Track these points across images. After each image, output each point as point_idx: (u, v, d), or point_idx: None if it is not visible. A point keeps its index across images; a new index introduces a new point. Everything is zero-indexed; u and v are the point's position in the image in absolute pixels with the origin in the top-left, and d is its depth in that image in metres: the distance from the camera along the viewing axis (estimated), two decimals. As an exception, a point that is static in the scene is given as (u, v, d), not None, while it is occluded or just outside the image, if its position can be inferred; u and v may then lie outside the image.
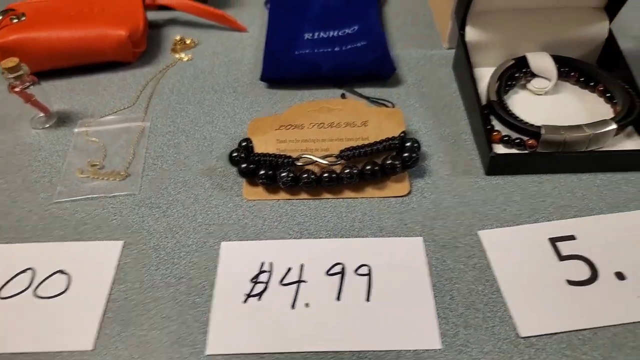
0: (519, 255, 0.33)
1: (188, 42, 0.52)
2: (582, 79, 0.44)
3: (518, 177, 0.38)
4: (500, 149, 0.39)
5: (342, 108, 0.42)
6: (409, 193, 0.37)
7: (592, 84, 0.44)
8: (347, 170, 0.37)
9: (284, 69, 0.47)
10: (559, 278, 0.32)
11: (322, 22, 0.51)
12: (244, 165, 0.37)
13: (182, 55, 0.50)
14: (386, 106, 0.44)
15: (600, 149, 0.39)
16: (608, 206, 0.36)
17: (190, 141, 0.42)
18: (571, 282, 0.32)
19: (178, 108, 0.45)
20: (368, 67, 0.46)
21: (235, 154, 0.38)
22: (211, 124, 0.44)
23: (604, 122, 0.38)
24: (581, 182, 0.38)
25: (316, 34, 0.50)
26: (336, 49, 0.48)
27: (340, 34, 0.49)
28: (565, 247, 0.34)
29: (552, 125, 0.38)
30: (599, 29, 0.44)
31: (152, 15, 0.56)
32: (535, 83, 0.44)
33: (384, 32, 0.51)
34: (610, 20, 0.44)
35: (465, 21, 0.44)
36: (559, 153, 0.38)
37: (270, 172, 0.37)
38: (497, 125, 0.41)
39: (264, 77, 0.47)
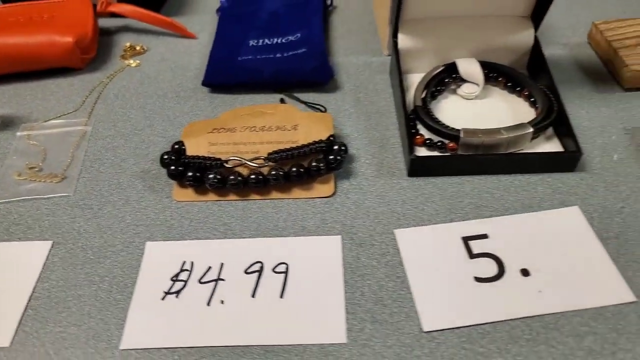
0: (431, 253, 0.35)
1: (138, 48, 0.53)
2: (510, 84, 0.46)
3: (439, 179, 0.40)
4: (424, 152, 0.41)
5: (274, 112, 0.43)
6: (334, 194, 0.39)
7: (518, 88, 0.45)
8: (274, 172, 0.38)
9: (226, 74, 0.48)
10: (468, 275, 0.33)
11: (268, 29, 0.53)
12: (172, 168, 0.38)
13: (131, 61, 0.52)
14: (321, 111, 0.45)
15: (519, 151, 0.40)
16: (523, 206, 0.37)
17: (128, 144, 0.44)
18: (479, 279, 0.33)
19: (120, 112, 0.47)
20: (307, 73, 0.47)
21: (165, 157, 0.39)
22: (150, 127, 0.45)
23: (521, 126, 0.39)
24: (500, 183, 0.39)
25: (261, 40, 0.51)
26: (278, 55, 0.49)
27: (283, 40, 0.51)
28: (476, 246, 0.35)
29: (471, 129, 0.39)
30: (525, 36, 0.46)
31: (105, 23, 0.57)
32: (464, 88, 0.45)
33: (325, 39, 0.52)
34: (536, 28, 0.46)
35: (397, 28, 0.46)
36: (478, 155, 0.39)
37: (198, 174, 0.38)
38: (423, 129, 0.42)
39: (205, 82, 0.48)
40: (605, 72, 0.50)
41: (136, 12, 0.54)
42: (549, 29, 0.55)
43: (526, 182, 0.39)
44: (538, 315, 0.31)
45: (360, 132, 0.44)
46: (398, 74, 0.44)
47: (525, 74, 0.46)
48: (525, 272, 0.33)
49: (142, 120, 0.46)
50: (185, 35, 0.55)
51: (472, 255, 0.35)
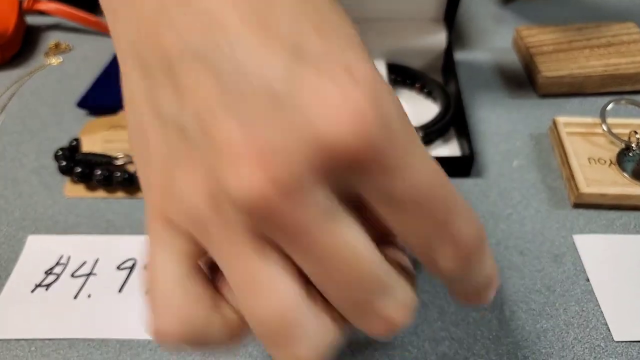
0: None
1: (63, 46, 0.54)
2: (418, 86, 0.45)
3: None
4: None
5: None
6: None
7: (426, 91, 0.45)
8: (161, 170, 0.38)
9: (103, 96, 0.45)
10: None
11: None
12: (64, 164, 0.39)
13: (53, 59, 0.52)
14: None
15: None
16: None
17: (34, 140, 0.44)
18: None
19: (32, 109, 0.47)
20: None
21: (60, 152, 0.40)
22: (59, 125, 0.46)
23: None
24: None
25: None
26: None
27: None
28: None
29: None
30: (438, 39, 0.46)
31: (36, 20, 0.58)
32: (372, 91, 0.46)
33: None
34: (449, 31, 0.46)
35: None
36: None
37: (87, 170, 0.38)
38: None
39: (80, 104, 0.45)
40: (524, 78, 0.49)
41: (62, 10, 0.54)
42: (478, 34, 0.55)
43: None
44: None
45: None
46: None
47: (431, 77, 0.45)
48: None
49: (52, 117, 0.46)
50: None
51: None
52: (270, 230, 0.14)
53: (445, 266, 0.16)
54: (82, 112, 0.47)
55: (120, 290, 0.33)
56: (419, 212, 0.15)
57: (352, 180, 0.14)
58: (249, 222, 0.14)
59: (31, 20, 0.58)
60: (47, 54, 0.53)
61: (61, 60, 0.52)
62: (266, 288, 0.15)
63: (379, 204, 0.15)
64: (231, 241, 0.15)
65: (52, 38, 0.56)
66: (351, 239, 0.15)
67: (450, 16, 0.45)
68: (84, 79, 0.51)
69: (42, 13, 0.56)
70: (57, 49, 0.54)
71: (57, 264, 0.35)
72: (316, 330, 0.15)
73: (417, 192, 0.14)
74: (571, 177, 0.38)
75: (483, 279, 0.17)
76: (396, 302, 0.15)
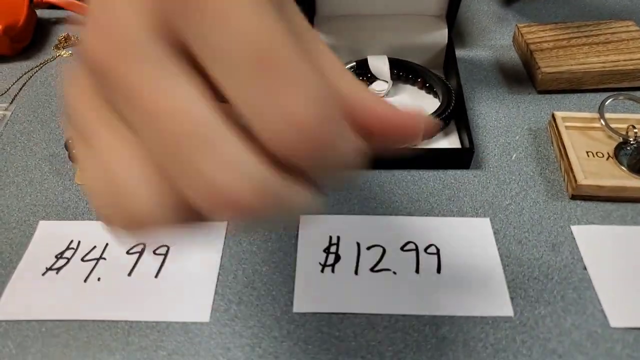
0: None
1: (72, 39, 0.55)
2: (420, 81, 0.46)
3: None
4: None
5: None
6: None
7: (427, 85, 0.46)
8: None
9: None
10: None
11: None
12: (74, 152, 0.40)
13: (63, 51, 0.53)
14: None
15: (411, 147, 0.40)
16: (410, 200, 0.38)
17: (44, 129, 0.45)
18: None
19: (43, 99, 0.48)
20: None
21: (70, 141, 0.41)
22: (69, 114, 0.47)
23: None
24: (393, 178, 0.39)
25: None
26: None
27: None
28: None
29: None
30: (439, 36, 0.47)
31: (47, 13, 0.58)
32: (375, 86, 0.46)
33: None
34: (450, 28, 0.47)
35: (312, 25, 0.47)
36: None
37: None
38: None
39: None
40: (524, 74, 0.50)
41: (72, 4, 0.55)
42: (479, 31, 0.56)
43: (419, 177, 0.40)
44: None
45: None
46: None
47: (433, 72, 0.46)
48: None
49: (62, 107, 0.48)
50: (122, 28, 0.57)
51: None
52: (107, 89, 0.14)
53: (280, 145, 0.13)
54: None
55: (129, 274, 0.34)
56: (241, 72, 0.13)
57: (179, 29, 0.14)
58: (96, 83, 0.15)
59: (41, 13, 0.58)
60: (57, 47, 0.54)
61: (71, 52, 0.54)
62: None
63: (202, 58, 0.14)
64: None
65: (62, 31, 0.57)
66: (179, 94, 0.13)
67: (452, 13, 0.46)
68: (93, 72, 0.53)
69: (52, 6, 0.57)
70: (66, 41, 0.55)
71: (68, 248, 0.36)
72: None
73: (237, 47, 0.13)
74: (569, 169, 0.38)
75: (337, 161, 0.15)
76: (222, 162, 0.13)
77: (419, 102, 0.46)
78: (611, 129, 0.41)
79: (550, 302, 0.32)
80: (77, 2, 0.55)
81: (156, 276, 0.34)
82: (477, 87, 0.49)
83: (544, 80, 0.47)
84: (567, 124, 0.42)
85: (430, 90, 0.46)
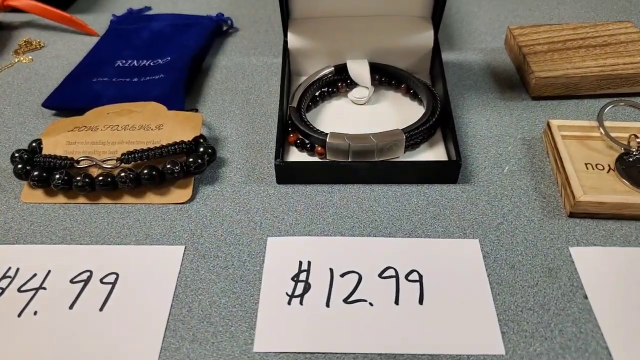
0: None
1: (34, 44, 0.51)
2: (409, 89, 0.43)
3: (309, 187, 0.37)
4: (297, 155, 0.38)
5: (142, 110, 0.41)
6: (190, 200, 0.36)
7: (412, 91, 0.43)
8: (123, 174, 0.35)
9: (69, 98, 0.44)
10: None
11: (143, 50, 0.50)
12: (20, 166, 0.36)
13: (22, 57, 0.50)
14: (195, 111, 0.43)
15: (392, 159, 0.37)
16: (390, 218, 0.34)
17: (-7, 142, 0.42)
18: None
19: (-5, 109, 0.46)
20: (153, 99, 0.42)
21: (17, 154, 0.37)
22: (22, 124, 0.43)
23: (392, 132, 0.36)
24: (372, 194, 0.36)
25: (129, 61, 0.48)
26: (135, 79, 0.45)
27: (151, 63, 0.48)
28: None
29: (338, 133, 0.36)
30: (424, 38, 0.44)
31: (9, 17, 0.56)
32: (355, 92, 0.43)
33: (196, 65, 0.48)
34: (436, 29, 0.44)
35: (287, 27, 0.44)
36: (345, 162, 0.36)
37: (45, 174, 0.36)
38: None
39: (45, 104, 0.43)
40: (516, 78, 0.47)
41: (34, 7, 0.52)
42: (469, 33, 0.53)
43: (401, 193, 0.36)
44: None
45: (240, 135, 0.42)
46: (282, 74, 0.42)
47: (417, 78, 0.42)
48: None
49: (16, 117, 0.44)
50: (86, 32, 0.53)
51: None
52: None
53: None
54: (48, 113, 0.44)
55: (71, 307, 0.30)
56: None
57: None
58: None
59: (3, 17, 0.56)
60: (16, 52, 0.51)
61: (31, 58, 0.50)
62: None
63: None
64: None
65: (23, 35, 0.54)
66: None
67: (438, 14, 0.43)
68: (54, 78, 0.48)
69: (14, 10, 0.53)
70: (27, 46, 0.51)
71: (4, 277, 0.32)
72: None
73: None
74: (567, 183, 0.35)
75: None
76: None
77: (402, 109, 0.42)
78: (611, 139, 0.37)
79: (547, 338, 0.28)
80: (39, 5, 0.52)
81: (101, 309, 0.30)
82: (466, 94, 0.46)
83: (538, 85, 0.43)
84: (564, 133, 0.38)
85: (414, 96, 0.43)
